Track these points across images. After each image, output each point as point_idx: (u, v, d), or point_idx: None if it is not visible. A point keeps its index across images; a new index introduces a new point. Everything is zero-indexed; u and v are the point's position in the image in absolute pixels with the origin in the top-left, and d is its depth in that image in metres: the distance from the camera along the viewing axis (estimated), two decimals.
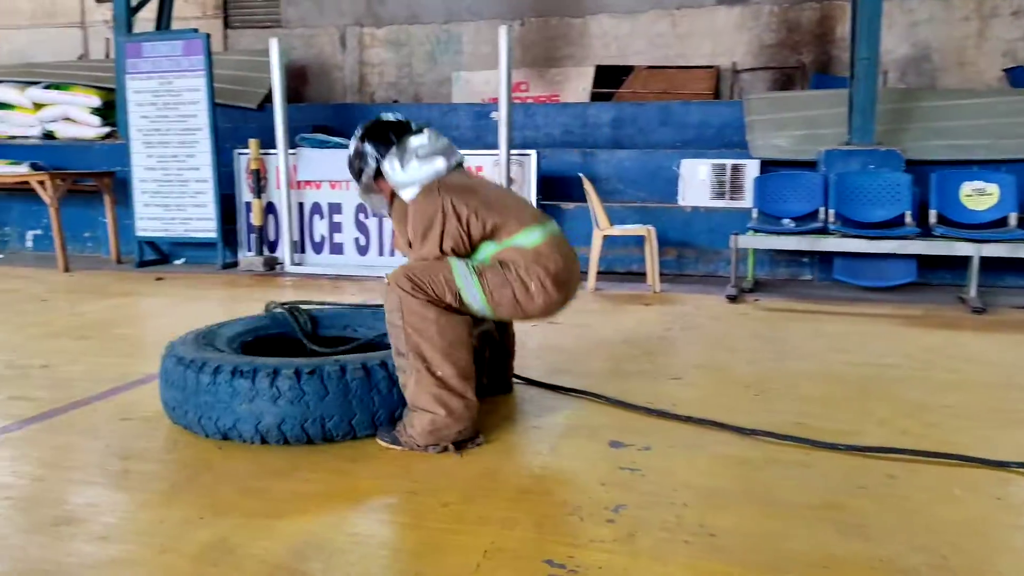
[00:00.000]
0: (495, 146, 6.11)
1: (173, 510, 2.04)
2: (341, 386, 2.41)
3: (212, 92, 6.56)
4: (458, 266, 2.43)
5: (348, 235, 6.62)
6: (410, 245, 2.56)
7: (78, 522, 1.96)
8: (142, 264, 6.84)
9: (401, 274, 2.41)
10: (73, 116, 7.95)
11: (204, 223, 6.67)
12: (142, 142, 6.75)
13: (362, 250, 6.61)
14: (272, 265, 6.63)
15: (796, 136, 6.58)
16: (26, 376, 3.31)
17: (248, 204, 6.75)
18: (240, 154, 6.78)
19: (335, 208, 6.64)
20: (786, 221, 5.95)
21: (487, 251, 2.51)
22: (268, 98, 7.94)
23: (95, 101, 7.77)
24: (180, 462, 2.38)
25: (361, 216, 6.57)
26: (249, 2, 10.07)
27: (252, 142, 6.59)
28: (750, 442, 2.55)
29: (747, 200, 6.36)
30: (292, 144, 6.67)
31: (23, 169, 7.47)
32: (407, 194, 2.59)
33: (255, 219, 6.66)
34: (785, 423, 2.69)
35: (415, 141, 2.60)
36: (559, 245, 2.52)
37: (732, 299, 5.27)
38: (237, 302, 5.21)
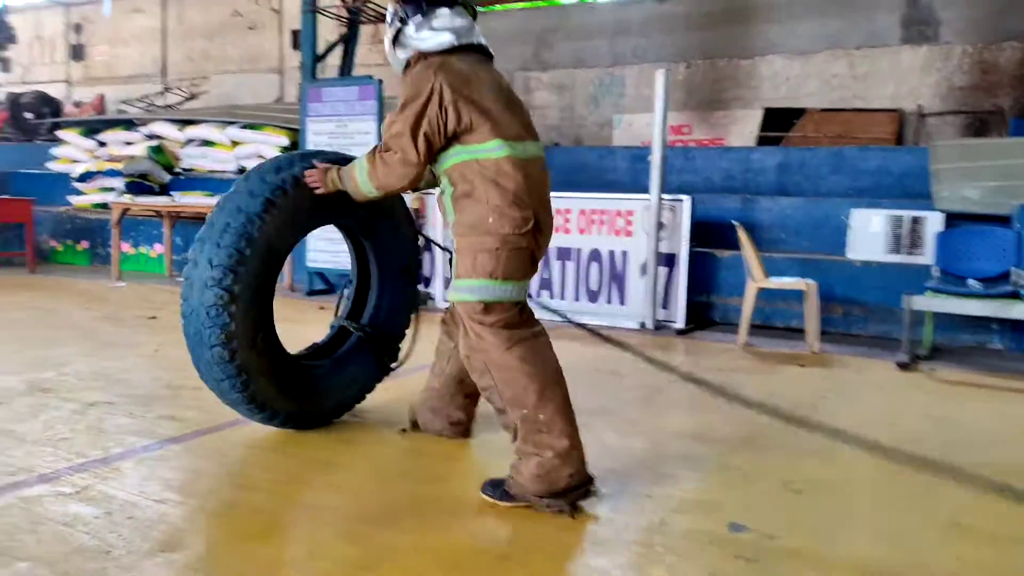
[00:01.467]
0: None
1: (270, 547, 2.08)
2: None
3: (380, 134, 6.93)
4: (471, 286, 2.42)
5: None
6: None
7: (177, 548, 2.03)
8: (311, 293, 7.29)
9: (470, 343, 2.44)
10: (264, 154, 8.69)
11: None
12: None
13: None
14: (424, 300, 6.84)
15: (989, 188, 5.91)
16: (178, 396, 3.57)
17: None
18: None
19: None
20: (972, 282, 5.31)
21: (450, 159, 2.46)
22: None
23: (284, 141, 8.45)
24: (287, 496, 2.45)
25: None
26: None
27: None
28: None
29: (927, 256, 5.77)
30: None
31: (213, 201, 8.25)
32: (404, 56, 2.57)
33: None
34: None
35: (440, 11, 2.53)
36: (524, 166, 2.42)
37: (903, 366, 4.76)
38: None
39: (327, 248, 7.16)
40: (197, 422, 3.14)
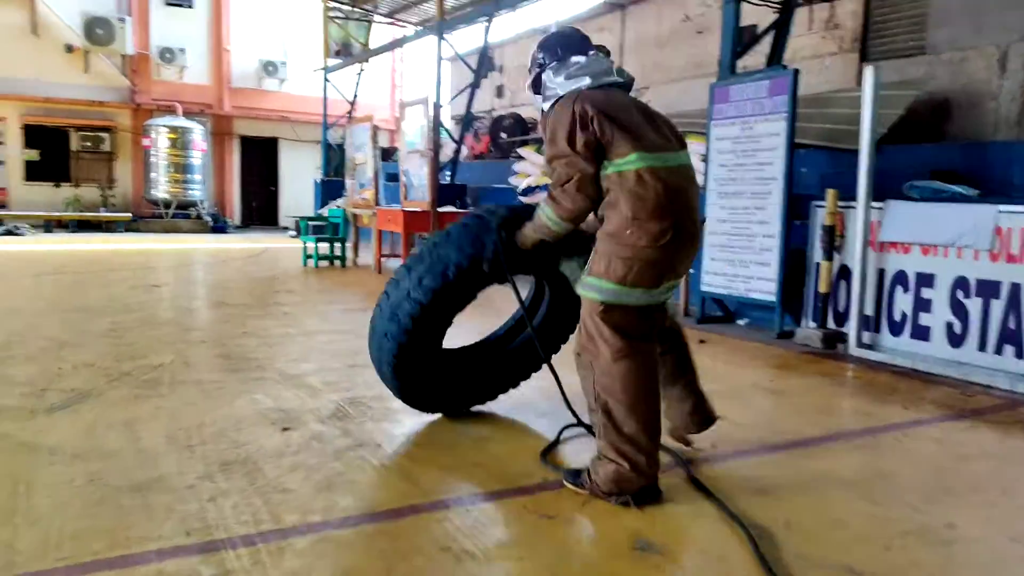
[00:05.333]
0: None
1: None
2: None
3: (791, 136, 5.73)
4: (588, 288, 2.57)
5: (938, 317, 4.96)
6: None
7: None
8: (703, 320, 6.45)
9: (582, 341, 2.59)
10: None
11: (765, 283, 5.88)
12: (717, 192, 6.35)
13: (956, 340, 4.87)
14: (833, 343, 5.44)
15: None
16: None
17: (818, 266, 5.70)
18: (817, 206, 5.78)
19: (924, 280, 5.06)
20: None
21: (602, 176, 2.54)
22: (890, 137, 6.69)
23: (703, 149, 7.74)
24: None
25: (959, 294, 4.85)
26: (891, 30, 8.75)
27: (830, 193, 5.52)
28: None
29: None
30: (893, 194, 5.38)
31: None
32: (547, 105, 2.72)
33: (821, 284, 5.57)
34: None
35: (575, 59, 2.71)
36: (665, 175, 2.50)
37: None
38: (742, 400, 4.32)
39: (724, 271, 6.22)
40: None
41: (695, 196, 2.63)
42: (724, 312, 6.60)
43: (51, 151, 18.12)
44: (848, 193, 5.43)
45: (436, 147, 9.13)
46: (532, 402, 3.67)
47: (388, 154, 14.92)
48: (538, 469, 2.83)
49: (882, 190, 5.38)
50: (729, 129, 6.23)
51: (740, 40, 6.83)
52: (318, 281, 8.96)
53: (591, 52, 2.74)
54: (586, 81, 2.65)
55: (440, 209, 9.69)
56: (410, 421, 3.37)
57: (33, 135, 17.94)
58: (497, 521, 2.42)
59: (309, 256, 10.37)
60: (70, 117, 18.12)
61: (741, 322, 6.46)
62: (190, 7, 19.46)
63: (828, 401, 4.13)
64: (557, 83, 2.69)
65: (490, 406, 3.57)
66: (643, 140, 2.51)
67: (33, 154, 17.97)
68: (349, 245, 11.23)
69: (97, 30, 17.55)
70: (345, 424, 3.29)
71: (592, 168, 2.51)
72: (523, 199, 10.07)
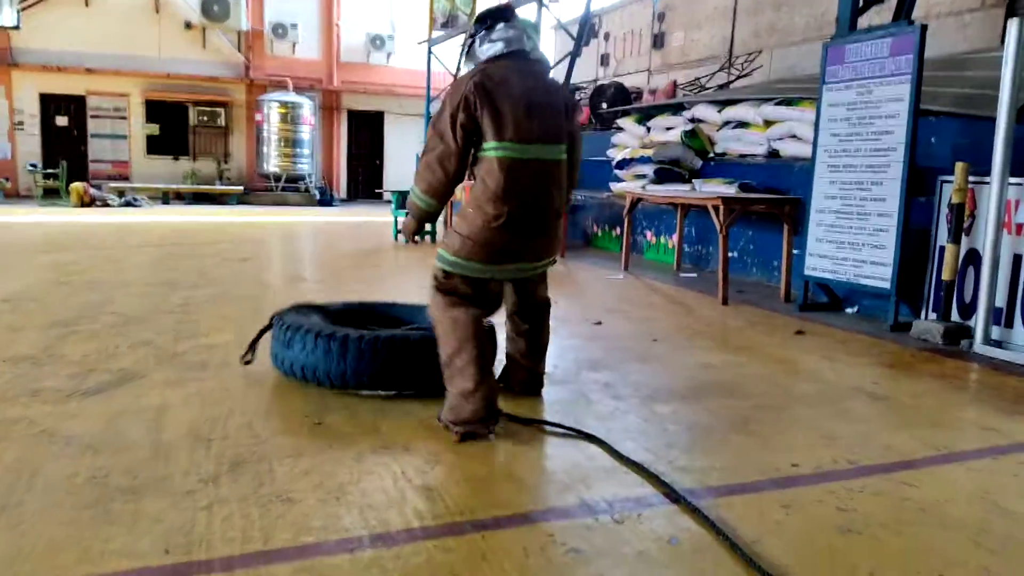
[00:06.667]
0: None
1: None
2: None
3: (916, 101, 5.00)
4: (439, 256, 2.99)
5: None
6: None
7: None
8: (804, 307, 5.82)
9: (430, 296, 2.99)
10: (799, 133, 7.39)
11: (878, 268, 5.20)
12: (827, 165, 5.67)
13: None
14: (956, 338, 4.73)
15: None
16: None
17: (942, 249, 4.97)
18: (944, 182, 5.04)
19: None
20: None
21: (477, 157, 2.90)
22: None
23: (812, 116, 7.00)
24: None
25: None
26: None
27: (959, 166, 4.78)
28: None
29: None
30: None
31: (728, 190, 7.34)
32: (470, 66, 3.00)
33: (945, 271, 4.85)
34: None
35: (496, 27, 2.97)
36: (519, 168, 2.81)
37: None
38: (837, 406, 3.76)
39: (831, 253, 5.57)
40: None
41: (549, 192, 2.92)
42: (830, 298, 5.94)
43: (170, 126, 18.95)
44: (983, 167, 4.68)
45: None
46: None
47: None
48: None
49: (1022, 164, 4.61)
50: (843, 94, 5.53)
51: None
52: (404, 256, 8.83)
53: (512, 24, 3.00)
54: (500, 46, 2.94)
55: None
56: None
57: (154, 110, 18.80)
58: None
59: (399, 231, 10.27)
60: (189, 92, 18.86)
61: (849, 311, 5.79)
62: None
63: (943, 411, 3.52)
64: (482, 50, 2.98)
65: None
66: (506, 130, 2.80)
67: (153, 128, 18.85)
68: (440, 220, 11.05)
69: (214, 7, 18.11)
70: (378, 421, 3.02)
71: (456, 146, 2.81)
72: (618, 172, 9.55)
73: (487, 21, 3.01)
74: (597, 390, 3.57)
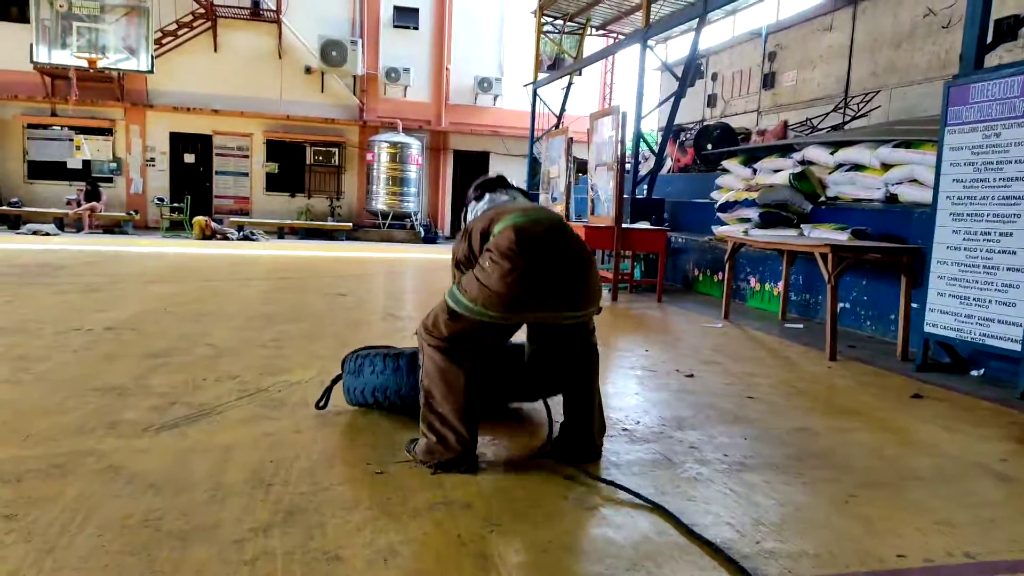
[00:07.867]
0: None
1: None
2: None
3: None
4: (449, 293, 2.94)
5: None
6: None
7: None
8: (923, 368, 5.31)
9: (420, 326, 3.01)
10: (920, 177, 6.91)
11: (1007, 328, 4.68)
12: (949, 213, 5.21)
13: None
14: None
15: None
16: None
17: None
18: None
19: None
20: None
21: None
22: None
23: (933, 159, 6.50)
24: None
25: None
26: None
27: None
28: None
29: None
30: None
31: (839, 236, 6.93)
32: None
33: None
34: None
35: (487, 197, 3.31)
36: (521, 227, 2.83)
37: None
38: (956, 484, 3.33)
39: (954, 309, 5.08)
40: None
41: (567, 253, 2.86)
42: (953, 359, 5.41)
43: (288, 164, 19.90)
44: None
45: (622, 160, 8.57)
46: None
47: (585, 167, 14.57)
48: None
49: None
50: (968, 136, 5.09)
51: (996, 31, 5.60)
52: None
53: (500, 190, 3.33)
54: (484, 205, 3.27)
55: (632, 226, 9.13)
56: (523, 474, 2.90)
57: (273, 149, 19.80)
58: None
59: None
60: (306, 133, 19.77)
61: (975, 373, 5.25)
62: (415, 28, 20.48)
63: None
64: (475, 215, 3.22)
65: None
66: (516, 209, 2.97)
67: (273, 167, 19.85)
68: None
69: (332, 52, 18.97)
70: (441, 475, 2.88)
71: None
72: (721, 215, 9.21)
73: (476, 191, 3.35)
74: (681, 452, 3.31)
